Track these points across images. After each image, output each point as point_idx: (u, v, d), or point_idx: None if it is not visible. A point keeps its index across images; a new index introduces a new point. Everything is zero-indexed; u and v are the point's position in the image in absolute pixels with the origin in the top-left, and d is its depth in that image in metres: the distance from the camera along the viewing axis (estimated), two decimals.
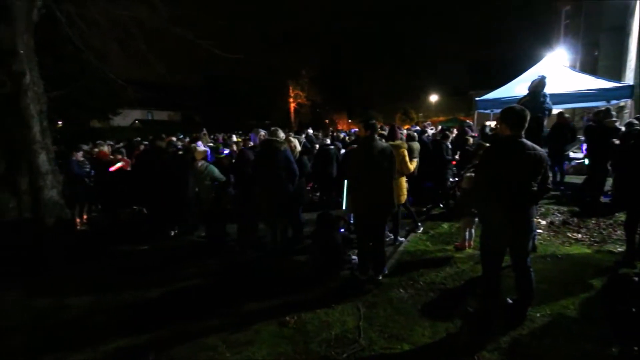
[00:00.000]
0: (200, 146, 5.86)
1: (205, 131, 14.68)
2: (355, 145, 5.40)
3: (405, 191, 4.56)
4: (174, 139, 8.68)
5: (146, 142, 8.48)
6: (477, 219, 4.29)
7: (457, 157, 7.16)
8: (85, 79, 6.90)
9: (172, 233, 5.64)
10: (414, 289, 3.50)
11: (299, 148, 5.10)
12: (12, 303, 3.56)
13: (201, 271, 4.19)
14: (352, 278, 3.74)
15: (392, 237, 4.75)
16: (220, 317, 3.14)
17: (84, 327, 3.09)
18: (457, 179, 6.63)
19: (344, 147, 7.65)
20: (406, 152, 4.47)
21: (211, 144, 8.88)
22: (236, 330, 2.90)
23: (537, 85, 4.62)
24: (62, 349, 2.77)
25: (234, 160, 5.80)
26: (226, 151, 7.24)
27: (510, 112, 2.70)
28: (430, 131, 9.91)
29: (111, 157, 6.75)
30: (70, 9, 5.07)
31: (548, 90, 4.72)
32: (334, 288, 3.56)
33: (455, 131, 9.26)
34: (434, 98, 34.07)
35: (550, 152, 6.50)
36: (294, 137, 5.66)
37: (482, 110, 9.64)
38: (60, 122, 15.50)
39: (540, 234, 4.68)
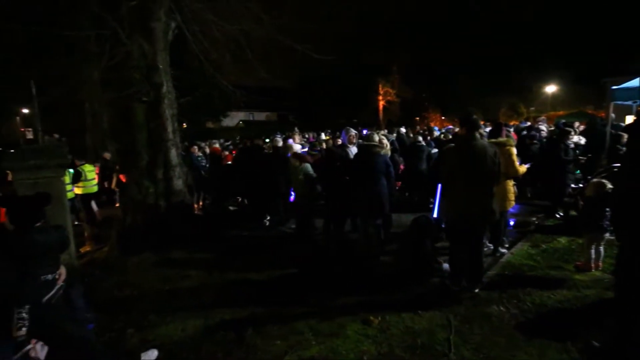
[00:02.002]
0: (295, 144, 6.28)
1: (297, 130, 15.67)
2: (451, 145, 5.02)
3: (512, 196, 4.02)
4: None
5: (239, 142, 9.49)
6: (607, 235, 3.51)
7: (581, 158, 5.96)
8: (204, 86, 8.14)
9: (267, 223, 6.21)
10: (518, 308, 3.06)
11: (389, 147, 5.00)
12: (148, 268, 4.45)
13: (291, 260, 4.49)
14: (442, 287, 3.49)
15: (492, 247, 4.25)
16: (307, 305, 3.32)
17: (198, 296, 3.65)
18: (580, 185, 5.54)
19: (437, 147, 7.17)
20: (514, 151, 3.94)
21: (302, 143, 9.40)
22: (321, 320, 3.02)
23: None
24: (182, 310, 3.33)
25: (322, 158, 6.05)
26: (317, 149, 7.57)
27: None
28: (544, 128, 8.47)
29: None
30: (195, 28, 6.01)
31: None
32: (422, 295, 3.39)
33: (581, 127, 7.71)
34: (550, 89, 28.66)
35: None
36: (384, 136, 5.57)
37: (620, 102, 7.75)
38: (184, 124, 18.62)
39: None
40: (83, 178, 6.81)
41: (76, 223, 6.33)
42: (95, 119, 12.41)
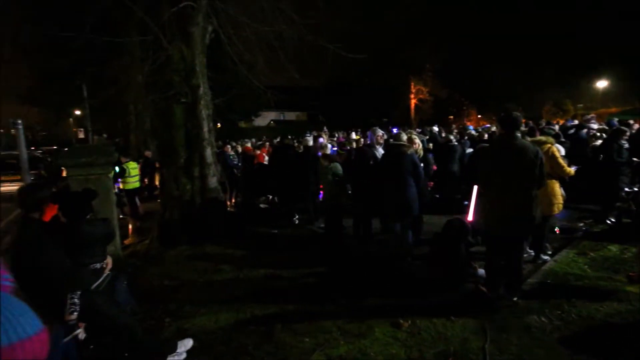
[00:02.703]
0: (325, 144, 6.30)
1: (326, 129, 15.70)
2: (484, 144, 4.80)
3: (560, 199, 3.75)
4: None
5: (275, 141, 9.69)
6: None
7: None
8: (238, 87, 8.41)
9: (296, 221, 6.29)
10: (562, 320, 2.86)
11: (421, 146, 4.88)
12: (184, 261, 4.68)
13: (319, 259, 4.52)
14: (477, 293, 3.34)
15: (533, 253, 4.01)
16: (335, 304, 3.32)
17: (230, 290, 3.78)
18: (636, 188, 5.07)
19: (471, 146, 6.88)
20: (556, 150, 3.68)
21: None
22: (350, 321, 3.00)
23: None
24: (215, 302, 3.46)
25: (352, 158, 6.02)
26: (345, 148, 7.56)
27: None
28: (595, 126, 7.83)
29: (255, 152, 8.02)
30: (230, 31, 6.22)
31: None
32: (455, 300, 3.26)
33: (635, 125, 7.04)
34: (601, 84, 26.35)
35: None
36: (416, 135, 5.43)
37: None
38: (219, 124, 19.36)
39: None
40: (127, 174, 7.30)
41: (121, 217, 6.79)
42: (139, 119, 13.27)
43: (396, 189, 4.05)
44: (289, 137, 7.32)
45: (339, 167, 5.58)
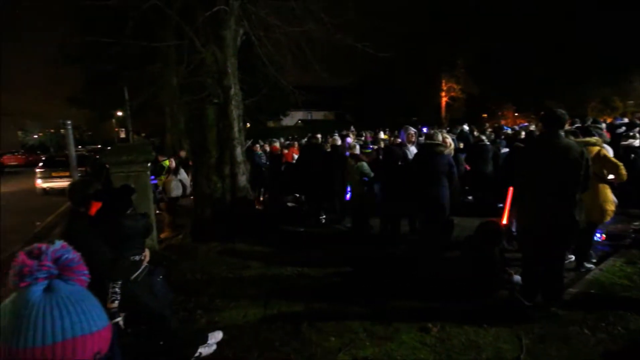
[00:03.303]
0: (354, 144, 6.27)
1: (353, 128, 15.60)
2: (518, 144, 4.56)
3: (612, 206, 3.48)
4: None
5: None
6: None
7: None
8: (267, 88, 8.58)
9: (322, 220, 6.32)
10: (607, 333, 2.66)
11: (453, 146, 4.72)
12: (215, 257, 4.85)
13: (346, 258, 4.51)
14: (512, 301, 3.19)
15: (575, 260, 3.75)
16: (361, 305, 3.30)
17: (258, 286, 3.87)
18: None
19: (507, 146, 6.55)
20: (607, 151, 3.42)
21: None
22: (376, 322, 2.97)
23: None
24: (244, 297, 3.56)
25: (380, 157, 5.94)
26: (370, 147, 7.48)
27: None
28: None
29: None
30: (261, 33, 6.35)
31: None
32: (488, 307, 3.13)
33: None
34: None
35: None
36: (447, 134, 5.26)
37: None
38: (248, 124, 19.86)
39: None
40: (164, 172, 7.67)
41: (157, 212, 7.16)
42: (174, 120, 13.92)
43: (429, 190, 3.96)
44: (317, 135, 7.34)
45: (365, 167, 5.54)
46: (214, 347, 2.80)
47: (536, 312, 2.95)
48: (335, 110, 39.92)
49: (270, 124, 27.79)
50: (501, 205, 4.88)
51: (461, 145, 7.18)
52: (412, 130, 5.26)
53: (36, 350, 0.59)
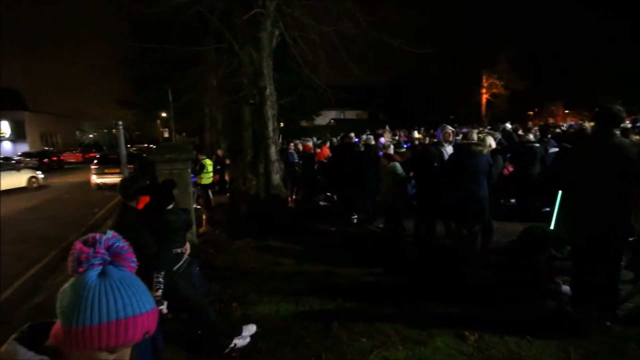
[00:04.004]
0: (388, 143, 6.16)
1: (387, 128, 15.31)
2: (566, 145, 4.21)
3: None
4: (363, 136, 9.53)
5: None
6: None
7: None
8: (301, 87, 8.69)
9: (354, 220, 6.28)
10: None
11: (493, 145, 4.48)
12: (249, 252, 5.00)
13: (377, 259, 4.45)
14: (560, 313, 2.96)
15: (632, 274, 3.39)
16: (393, 307, 3.24)
17: (290, 282, 3.94)
18: None
19: (557, 145, 6.08)
20: None
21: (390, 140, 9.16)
22: (410, 326, 2.90)
23: None
24: (276, 293, 3.64)
25: (416, 156, 5.78)
26: (404, 146, 7.30)
27: None
28: None
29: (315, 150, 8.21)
30: (296, 34, 6.44)
31: None
32: (531, 317, 2.94)
33: None
34: None
35: None
36: (487, 133, 4.99)
37: None
38: (282, 123, 20.24)
39: None
40: (205, 170, 8.06)
41: (196, 207, 7.54)
42: (212, 120, 14.58)
43: (467, 191, 3.78)
44: (351, 134, 7.30)
45: (398, 167, 5.41)
46: (248, 339, 2.89)
47: (587, 325, 2.71)
48: (368, 109, 39.49)
49: (303, 123, 28.09)
50: (547, 209, 4.55)
51: (498, 146, 6.76)
52: (450, 129, 5.03)
53: (93, 328, 0.66)
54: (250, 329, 2.97)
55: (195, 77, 12.26)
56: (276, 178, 6.04)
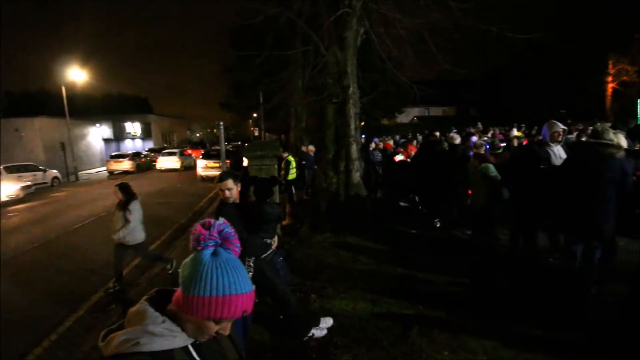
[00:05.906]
0: (480, 143, 5.59)
1: (480, 125, 13.89)
2: None
3: None
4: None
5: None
6: None
7: None
8: (384, 85, 8.53)
9: (437, 224, 5.88)
10: None
11: (625, 146, 3.65)
12: (328, 247, 5.14)
13: (463, 268, 4.09)
14: None
15: None
16: (482, 323, 2.94)
17: (368, 281, 3.92)
18: None
19: None
20: None
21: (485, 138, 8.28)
22: (500, 346, 2.60)
23: None
24: (353, 290, 3.67)
25: (516, 157, 5.10)
26: (500, 146, 6.49)
27: None
28: None
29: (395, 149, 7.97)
30: (381, 30, 6.34)
31: None
32: None
33: None
34: None
35: None
36: (616, 132, 4.07)
37: None
38: (363, 121, 20.17)
39: None
40: (291, 167, 8.60)
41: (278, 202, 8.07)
42: (297, 119, 15.41)
43: (587, 200, 3.12)
44: (436, 132, 6.85)
45: (491, 168, 4.85)
46: (325, 331, 2.99)
47: None
48: (457, 104, 36.41)
49: (385, 121, 27.47)
50: None
51: (638, 147, 5.45)
52: (560, 126, 4.23)
53: (205, 299, 0.77)
54: (327, 322, 3.06)
55: (283, 80, 13.13)
56: (356, 176, 6.07)
